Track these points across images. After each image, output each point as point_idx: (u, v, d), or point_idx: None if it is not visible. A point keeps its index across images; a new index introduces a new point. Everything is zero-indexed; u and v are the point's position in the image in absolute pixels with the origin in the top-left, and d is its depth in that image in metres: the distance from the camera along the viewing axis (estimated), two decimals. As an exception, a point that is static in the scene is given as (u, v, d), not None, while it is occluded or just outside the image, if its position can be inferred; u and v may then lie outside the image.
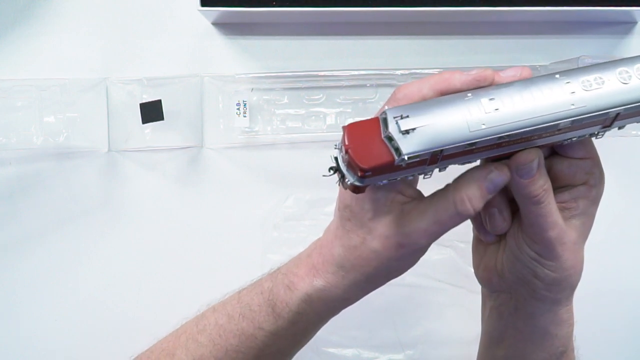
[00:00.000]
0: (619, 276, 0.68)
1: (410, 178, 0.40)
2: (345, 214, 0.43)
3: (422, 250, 0.43)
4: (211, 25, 0.67)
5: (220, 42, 0.67)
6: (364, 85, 0.67)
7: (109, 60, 0.66)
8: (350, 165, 0.37)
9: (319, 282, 0.44)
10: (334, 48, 0.67)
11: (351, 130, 0.37)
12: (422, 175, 0.40)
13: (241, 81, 0.66)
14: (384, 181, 0.39)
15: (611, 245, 0.68)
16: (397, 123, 0.36)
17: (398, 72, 0.66)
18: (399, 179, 0.39)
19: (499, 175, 0.40)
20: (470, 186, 0.40)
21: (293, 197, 0.67)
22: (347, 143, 0.36)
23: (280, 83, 0.66)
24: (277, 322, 0.45)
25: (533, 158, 0.40)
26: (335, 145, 0.38)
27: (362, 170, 0.36)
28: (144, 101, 0.64)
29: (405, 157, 0.35)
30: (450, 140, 0.36)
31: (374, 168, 0.36)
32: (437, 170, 0.40)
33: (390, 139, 0.36)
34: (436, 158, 0.37)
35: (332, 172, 0.38)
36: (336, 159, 0.38)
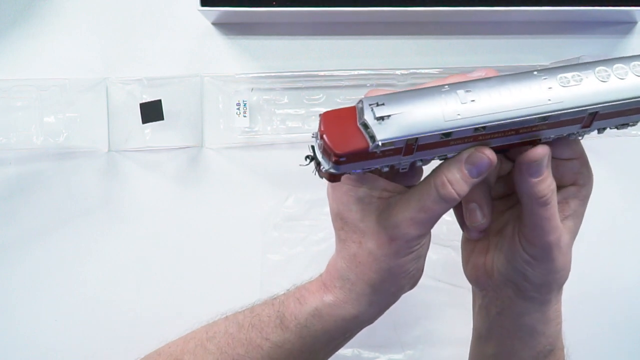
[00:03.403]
0: (619, 275, 0.68)
1: (386, 170, 0.39)
2: (338, 224, 0.44)
3: (416, 241, 0.42)
4: (211, 25, 0.67)
5: (220, 42, 0.67)
6: (364, 85, 0.67)
7: (109, 60, 0.66)
8: (325, 151, 0.37)
9: (328, 298, 0.44)
10: (334, 48, 0.67)
11: (327, 117, 0.37)
12: (399, 168, 0.40)
13: (241, 81, 0.66)
14: (359, 170, 0.38)
15: (610, 245, 0.68)
16: (372, 110, 0.36)
17: (398, 72, 0.66)
18: (373, 168, 0.39)
19: (480, 158, 0.38)
20: (451, 169, 0.39)
21: (293, 197, 0.67)
22: (322, 129, 0.36)
23: (280, 83, 0.66)
24: (284, 334, 0.45)
25: (544, 154, 0.39)
26: (313, 134, 0.38)
27: (336, 155, 0.36)
28: (144, 101, 0.64)
29: (380, 143, 0.35)
30: (424, 129, 0.36)
31: (348, 154, 0.36)
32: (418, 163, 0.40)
33: (366, 125, 0.36)
34: (411, 148, 0.37)
35: (308, 160, 0.38)
36: (313, 147, 0.38)
